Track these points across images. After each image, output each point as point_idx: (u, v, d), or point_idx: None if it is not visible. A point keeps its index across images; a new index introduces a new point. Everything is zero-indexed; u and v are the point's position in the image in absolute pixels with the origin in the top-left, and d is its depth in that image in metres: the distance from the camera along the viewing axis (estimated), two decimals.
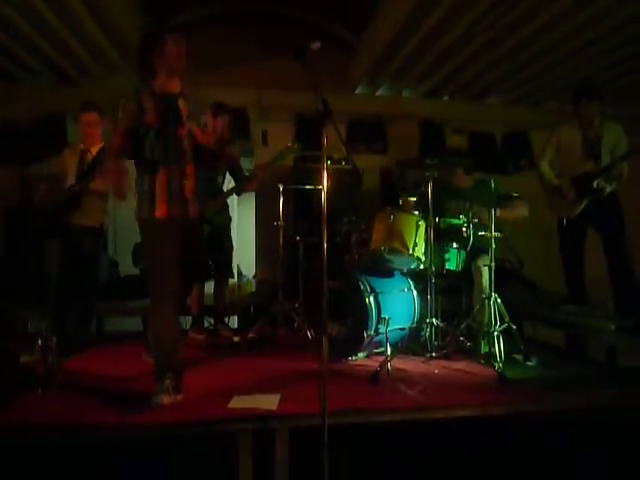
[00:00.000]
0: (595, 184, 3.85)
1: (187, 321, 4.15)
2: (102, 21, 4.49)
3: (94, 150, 3.76)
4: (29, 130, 5.52)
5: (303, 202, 5.34)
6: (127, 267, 5.38)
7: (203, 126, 2.75)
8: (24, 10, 4.16)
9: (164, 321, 2.61)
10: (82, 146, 3.79)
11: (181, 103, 2.68)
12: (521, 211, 3.68)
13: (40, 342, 2.66)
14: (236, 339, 3.92)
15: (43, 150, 5.41)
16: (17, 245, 5.01)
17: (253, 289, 6.03)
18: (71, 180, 3.71)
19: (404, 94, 6.41)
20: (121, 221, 3.57)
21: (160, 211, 2.61)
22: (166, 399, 2.50)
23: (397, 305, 3.50)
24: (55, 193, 3.66)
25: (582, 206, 3.92)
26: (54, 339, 2.71)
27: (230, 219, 4.30)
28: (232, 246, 4.33)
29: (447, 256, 3.49)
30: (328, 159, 2.17)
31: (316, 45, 2.12)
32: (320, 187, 2.18)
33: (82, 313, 3.73)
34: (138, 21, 4.95)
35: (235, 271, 5.82)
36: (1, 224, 5.34)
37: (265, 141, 5.98)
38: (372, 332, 3.31)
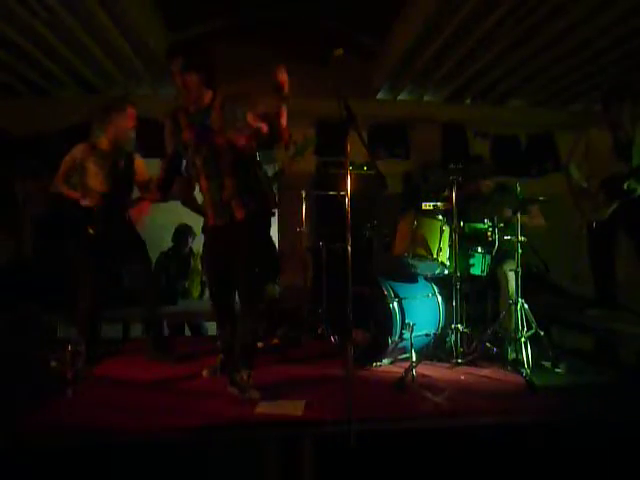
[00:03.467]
0: (626, 186, 3.77)
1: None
2: (129, 36, 4.64)
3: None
4: (57, 141, 5.66)
5: (326, 208, 5.35)
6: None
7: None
8: (56, 26, 4.30)
9: (219, 324, 3.02)
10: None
11: (214, 115, 2.72)
12: (538, 221, 3.67)
13: (70, 347, 2.71)
14: (260, 345, 3.92)
15: None
16: (47, 251, 5.11)
17: (277, 295, 6.05)
18: (99, 183, 3.44)
19: (426, 98, 6.38)
20: (147, 231, 3.58)
21: (209, 220, 2.84)
22: (255, 394, 2.63)
23: (422, 311, 3.47)
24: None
25: (612, 209, 3.84)
26: (83, 345, 2.76)
27: None
28: None
29: (472, 261, 3.46)
30: (350, 165, 2.17)
31: (339, 52, 2.14)
32: (343, 192, 2.18)
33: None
34: (163, 38, 5.11)
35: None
36: (31, 231, 5.50)
37: (287, 148, 6.00)
38: (396, 338, 3.28)
